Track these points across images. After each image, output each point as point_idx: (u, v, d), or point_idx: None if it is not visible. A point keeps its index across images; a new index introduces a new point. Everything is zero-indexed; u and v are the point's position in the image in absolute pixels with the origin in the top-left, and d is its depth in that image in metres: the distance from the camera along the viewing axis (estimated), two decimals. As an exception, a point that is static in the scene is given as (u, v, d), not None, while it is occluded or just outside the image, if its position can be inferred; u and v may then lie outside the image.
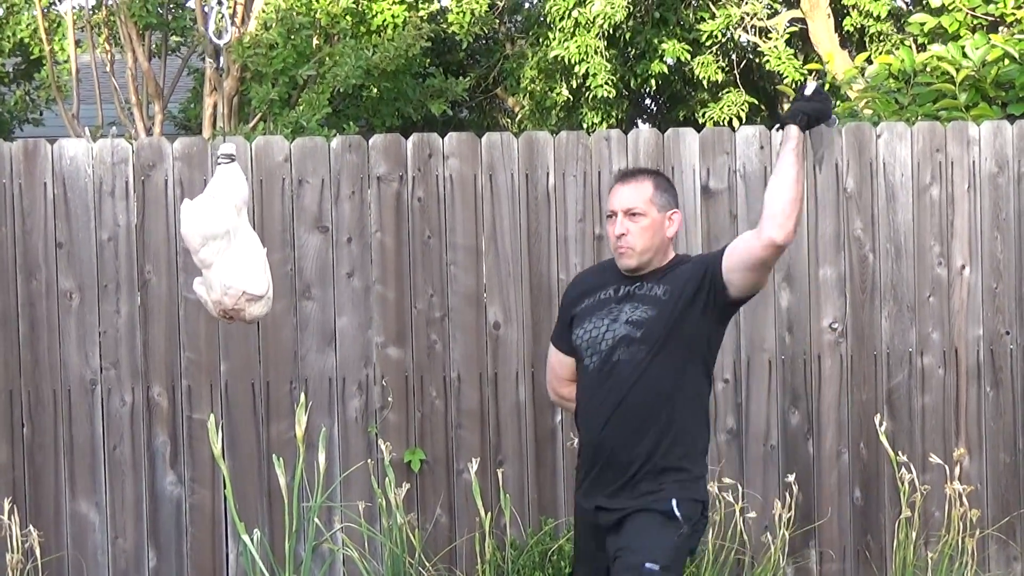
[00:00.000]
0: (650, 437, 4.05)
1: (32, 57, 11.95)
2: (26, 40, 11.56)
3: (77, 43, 10.84)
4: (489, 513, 5.52)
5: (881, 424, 5.72)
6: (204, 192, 4.13)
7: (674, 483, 4.04)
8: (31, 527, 5.27)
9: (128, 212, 5.65)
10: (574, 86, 13.36)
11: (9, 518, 5.18)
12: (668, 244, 4.20)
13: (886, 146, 6.09)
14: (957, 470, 5.92)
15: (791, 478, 5.70)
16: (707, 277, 4.07)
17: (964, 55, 7.15)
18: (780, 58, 13.07)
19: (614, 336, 4.11)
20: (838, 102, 8.01)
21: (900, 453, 5.79)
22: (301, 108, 9.26)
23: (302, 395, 5.45)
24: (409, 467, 5.76)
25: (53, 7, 11.58)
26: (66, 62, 11.29)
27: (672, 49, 13.33)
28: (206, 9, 9.79)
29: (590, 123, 13.39)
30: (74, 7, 10.77)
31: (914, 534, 5.63)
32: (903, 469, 5.63)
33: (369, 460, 5.71)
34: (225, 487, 5.19)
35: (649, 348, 4.05)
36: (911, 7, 13.17)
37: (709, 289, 4.07)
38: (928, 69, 7.27)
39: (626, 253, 4.14)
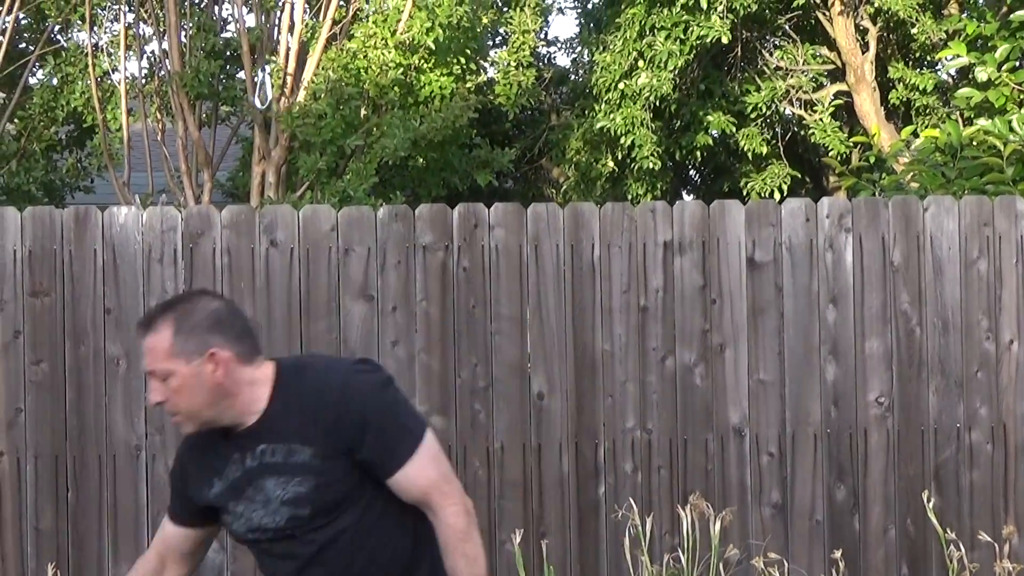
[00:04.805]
0: None
1: (85, 125, 12.15)
2: (79, 109, 11.76)
3: (129, 112, 11.00)
4: (531, 585, 5.48)
5: (929, 500, 5.65)
6: None
7: None
8: (74, 592, 5.27)
9: (176, 279, 5.70)
10: (619, 157, 13.42)
11: (52, 583, 5.19)
12: (238, 384, 3.18)
13: (933, 220, 6.06)
14: (1007, 548, 5.83)
15: (837, 554, 5.63)
16: (360, 454, 3.16)
17: (1011, 129, 7.13)
18: (825, 131, 13.10)
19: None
20: (884, 175, 7.99)
21: (948, 530, 5.72)
22: (348, 178, 9.35)
23: (345, 463, 5.44)
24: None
25: (107, 77, 11.76)
26: (118, 130, 11.47)
27: (717, 121, 13.39)
28: (255, 80, 9.93)
29: (635, 194, 13.44)
30: (127, 77, 10.93)
31: (963, 613, 5.54)
32: (951, 546, 5.55)
33: (411, 530, 5.68)
34: (267, 555, 5.17)
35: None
36: (957, 81, 13.17)
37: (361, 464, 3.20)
38: (974, 143, 7.25)
39: (178, 423, 3.26)
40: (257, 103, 9.67)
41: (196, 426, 3.21)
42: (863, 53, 13.39)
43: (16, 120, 11.82)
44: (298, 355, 3.45)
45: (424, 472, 3.17)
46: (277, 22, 10.89)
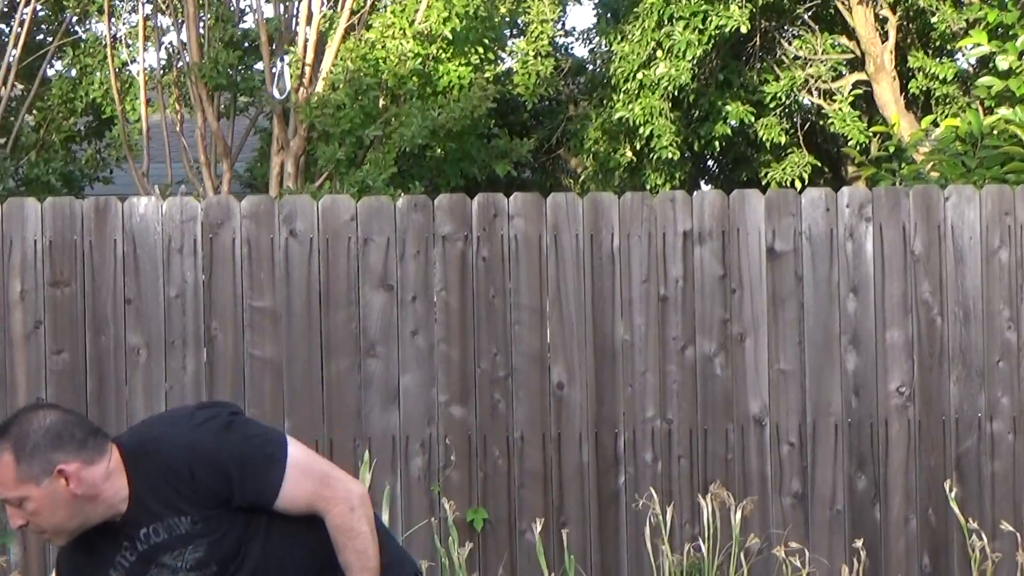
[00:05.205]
0: None
1: (104, 116, 12.18)
2: (98, 100, 11.78)
3: (148, 103, 11.02)
4: (552, 574, 5.48)
5: (951, 490, 5.63)
6: None
7: None
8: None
9: (196, 269, 5.71)
10: (638, 147, 13.39)
11: (74, 572, 5.20)
12: (96, 487, 3.06)
13: (954, 209, 6.04)
14: (1028, 538, 5.81)
15: (858, 544, 5.62)
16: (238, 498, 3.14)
17: (1032, 118, 7.10)
18: (845, 120, 13.05)
19: None
20: (904, 165, 7.96)
21: (970, 520, 5.70)
22: (367, 168, 9.36)
23: (366, 453, 5.46)
24: (471, 526, 5.74)
25: (125, 68, 11.79)
26: (137, 122, 11.49)
27: (736, 111, 13.35)
28: (274, 70, 9.94)
29: (653, 184, 13.42)
30: (146, 68, 10.95)
31: (984, 603, 5.53)
32: (973, 536, 5.53)
33: (432, 519, 5.69)
34: (288, 544, 5.18)
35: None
36: (978, 70, 13.11)
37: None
38: (995, 132, 7.22)
39: (50, 538, 3.20)
40: (276, 93, 9.69)
41: (69, 537, 3.13)
42: (883, 42, 13.34)
43: (35, 111, 11.85)
44: (133, 428, 3.35)
45: (300, 488, 3.15)
46: (295, 12, 10.90)
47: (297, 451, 3.19)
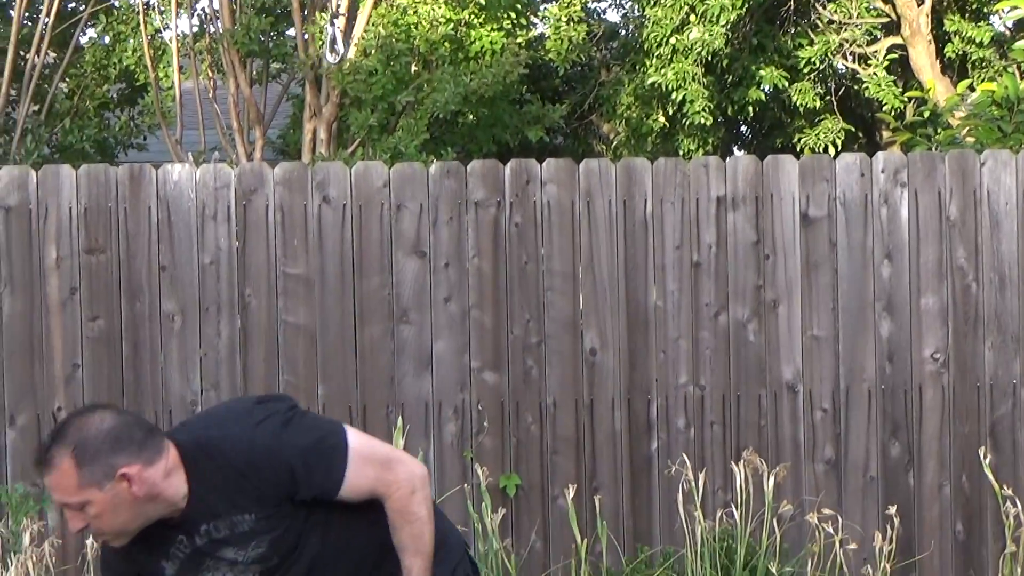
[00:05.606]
0: None
1: (137, 84, 12.20)
2: (131, 67, 11.80)
3: (181, 70, 11.04)
4: (585, 540, 5.50)
5: (985, 457, 5.61)
6: None
7: None
8: (132, 546, 5.32)
9: (229, 236, 5.73)
10: (670, 113, 13.33)
11: (111, 536, 5.25)
12: (157, 487, 3.05)
13: (990, 174, 5.99)
14: (1063, 505, 5.78)
15: (892, 510, 5.61)
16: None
17: (1070, 82, 7.02)
18: (879, 85, 12.95)
19: None
20: (940, 130, 7.90)
21: (1004, 486, 5.68)
22: (399, 134, 9.35)
23: (399, 419, 5.48)
24: (504, 492, 5.76)
25: (158, 35, 11.80)
26: (170, 88, 11.51)
27: (769, 76, 13.27)
28: (305, 37, 9.93)
29: (686, 150, 13.37)
30: (178, 35, 10.97)
31: (1019, 569, 5.51)
32: (1007, 503, 5.51)
33: (465, 484, 5.71)
34: (322, 509, 5.21)
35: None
36: (1015, 34, 12.98)
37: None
38: (1033, 96, 7.14)
39: (109, 540, 3.15)
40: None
41: (130, 537, 3.11)
42: (918, 5, 13.21)
43: (69, 79, 11.88)
44: (187, 424, 3.31)
45: (362, 476, 3.16)
46: (327, -22, 10.87)
47: (356, 439, 3.20)
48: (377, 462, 3.20)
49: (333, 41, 9.45)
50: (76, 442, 3.00)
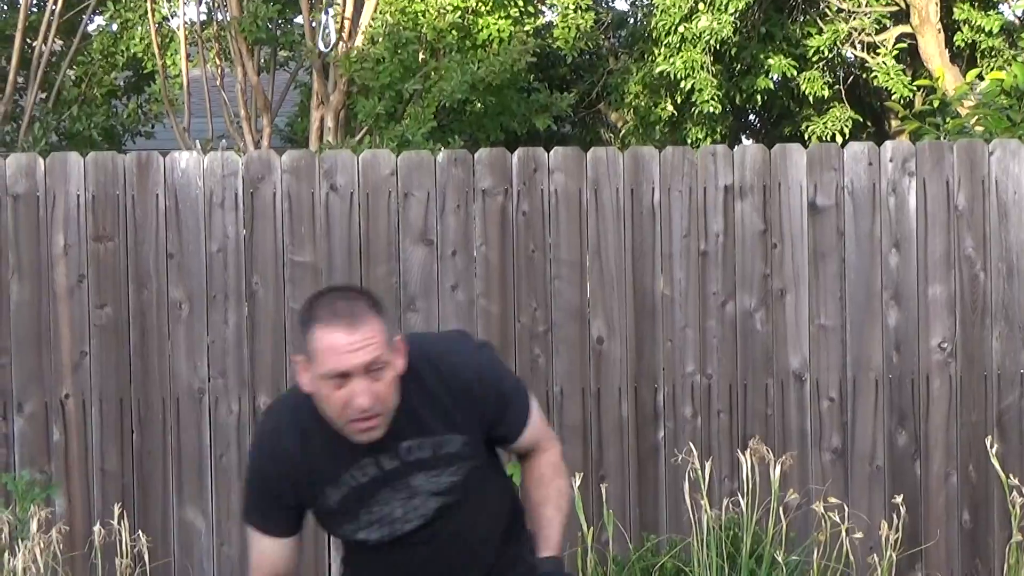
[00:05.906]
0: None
1: (144, 71, 12.21)
2: (139, 54, 11.81)
3: (188, 57, 11.03)
4: (591, 528, 5.50)
5: (992, 446, 5.61)
6: None
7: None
8: (140, 532, 5.34)
9: (237, 224, 5.73)
10: (679, 101, 13.31)
11: (119, 523, 5.26)
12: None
13: (999, 163, 5.98)
14: (1070, 494, 5.78)
15: (898, 499, 5.61)
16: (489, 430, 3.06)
17: (1080, 71, 7.01)
18: (888, 74, 12.92)
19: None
20: (948, 119, 7.88)
21: (1011, 476, 5.68)
22: (407, 122, 9.34)
23: (406, 407, 5.48)
24: (511, 480, 5.75)
25: (166, 22, 11.80)
26: (177, 76, 11.50)
27: (778, 64, 13.25)
28: (313, 24, 9.93)
29: (694, 138, 13.35)
30: (186, 22, 10.96)
31: (1025, 559, 5.51)
32: (1014, 492, 5.51)
33: (471, 473, 5.71)
34: (329, 497, 5.22)
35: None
36: (1024, 22, 12.95)
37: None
38: (1042, 85, 7.13)
39: (376, 426, 2.83)
40: (321, 46, 9.66)
41: (384, 430, 2.82)
42: (927, -6, 13.18)
43: (76, 66, 11.88)
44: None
45: (536, 428, 3.14)
46: (335, -34, 10.87)
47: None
48: (543, 419, 3.20)
49: (326, 28, 9.45)
50: (370, 295, 2.82)
